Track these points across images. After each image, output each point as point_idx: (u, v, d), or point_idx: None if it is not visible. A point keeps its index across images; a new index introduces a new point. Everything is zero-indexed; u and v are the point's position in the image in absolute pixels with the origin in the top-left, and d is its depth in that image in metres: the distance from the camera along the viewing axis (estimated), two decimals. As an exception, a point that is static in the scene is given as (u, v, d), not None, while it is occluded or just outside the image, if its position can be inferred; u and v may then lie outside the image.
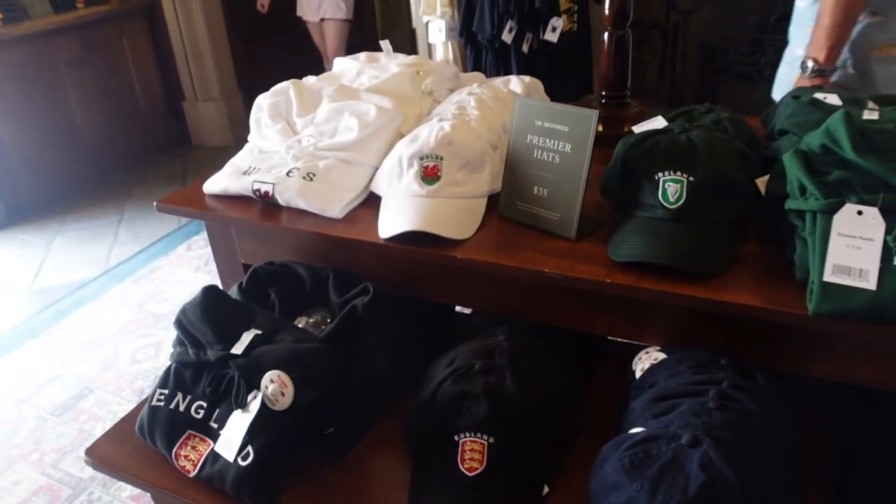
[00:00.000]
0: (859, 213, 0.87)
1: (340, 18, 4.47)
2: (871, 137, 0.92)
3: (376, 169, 1.31)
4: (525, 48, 3.14)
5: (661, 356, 1.01)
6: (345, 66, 1.70)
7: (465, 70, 3.39)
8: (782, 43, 3.17)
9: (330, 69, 1.75)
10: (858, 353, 0.93)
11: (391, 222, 1.16)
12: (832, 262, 0.86)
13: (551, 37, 3.14)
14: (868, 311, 0.84)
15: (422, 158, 1.19)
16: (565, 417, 1.06)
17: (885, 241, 0.85)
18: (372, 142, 1.33)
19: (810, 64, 1.63)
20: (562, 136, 1.09)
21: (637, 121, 1.38)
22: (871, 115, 1.16)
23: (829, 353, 0.95)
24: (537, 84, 1.64)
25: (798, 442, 0.91)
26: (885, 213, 0.86)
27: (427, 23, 3.48)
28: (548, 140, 1.11)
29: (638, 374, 1.02)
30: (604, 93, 1.60)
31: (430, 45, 3.64)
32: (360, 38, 6.53)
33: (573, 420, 1.08)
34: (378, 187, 1.27)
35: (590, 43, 3.45)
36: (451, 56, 3.43)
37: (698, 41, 3.71)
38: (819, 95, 1.27)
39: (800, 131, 1.16)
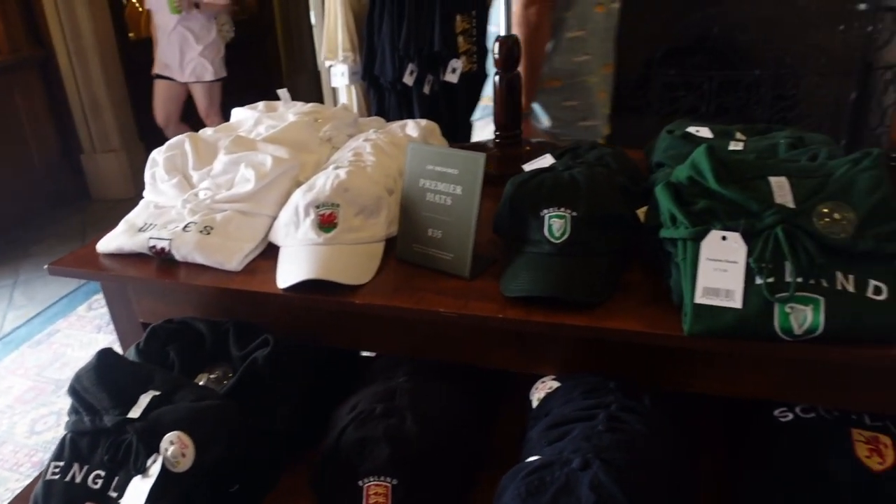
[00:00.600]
0: (724, 238, 0.94)
1: (207, 80, 4.28)
2: (732, 168, 0.99)
3: (275, 219, 1.32)
4: (426, 90, 3.22)
5: (556, 385, 1.05)
6: (242, 116, 1.71)
7: (369, 113, 3.44)
8: (667, 77, 3.38)
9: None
10: (733, 368, 1.00)
11: (289, 272, 1.16)
12: (702, 284, 0.93)
13: (452, 78, 3.23)
14: (736, 327, 0.90)
15: (318, 207, 1.21)
16: (470, 453, 1.08)
17: (747, 263, 0.92)
18: (269, 192, 1.34)
19: None
20: (452, 178, 1.13)
21: (529, 159, 1.44)
22: (736, 145, 1.25)
23: (707, 370, 1.02)
24: (433, 127, 1.69)
25: (686, 458, 0.96)
26: (746, 237, 0.93)
27: (329, 67, 3.52)
28: (439, 183, 1.14)
29: (535, 404, 1.06)
30: (497, 133, 1.66)
31: (334, 89, 3.68)
32: (266, 81, 6.53)
33: (478, 455, 1.10)
34: (276, 237, 1.28)
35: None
36: (354, 100, 3.47)
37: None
38: (691, 129, 1.36)
39: (673, 163, 1.24)
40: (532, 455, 0.92)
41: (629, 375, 1.04)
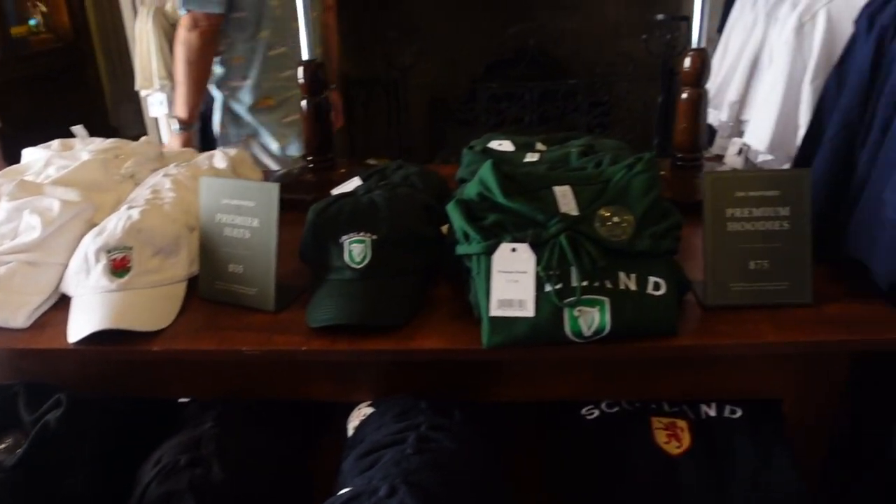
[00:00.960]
0: (513, 250, 0.96)
1: None
2: (519, 181, 1.02)
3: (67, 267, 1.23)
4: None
5: (370, 411, 1.04)
6: (33, 158, 1.58)
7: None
8: (492, 90, 3.49)
9: None
10: (537, 374, 1.03)
11: (81, 323, 1.08)
12: (496, 297, 0.95)
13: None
14: (530, 336, 0.93)
15: (109, 251, 1.13)
16: (288, 493, 1.04)
17: (536, 272, 0.95)
18: (58, 239, 1.24)
19: (177, 123, 2.02)
20: (248, 211, 1.10)
21: (343, 181, 1.43)
22: (533, 157, 1.30)
23: (513, 379, 1.05)
24: (244, 157, 1.64)
25: (498, 468, 0.97)
26: (534, 247, 0.96)
27: (146, 96, 3.34)
28: (236, 217, 1.11)
29: (350, 433, 1.04)
30: (310, 158, 1.64)
31: (155, 119, 3.51)
32: (89, 111, 6.13)
33: (298, 494, 1.07)
34: (67, 287, 1.18)
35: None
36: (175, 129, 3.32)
37: (422, 94, 3.94)
38: (493, 144, 1.40)
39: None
40: (345, 487, 0.90)
41: (441, 392, 1.05)
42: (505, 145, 1.40)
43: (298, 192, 1.57)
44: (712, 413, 1.08)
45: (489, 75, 3.59)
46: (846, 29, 1.16)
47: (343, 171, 1.64)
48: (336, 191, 1.30)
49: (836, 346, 0.98)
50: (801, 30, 1.33)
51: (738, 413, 1.08)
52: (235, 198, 1.11)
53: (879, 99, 1.06)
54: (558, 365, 1.02)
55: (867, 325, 0.99)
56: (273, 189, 1.07)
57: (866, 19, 1.10)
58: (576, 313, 0.93)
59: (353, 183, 1.33)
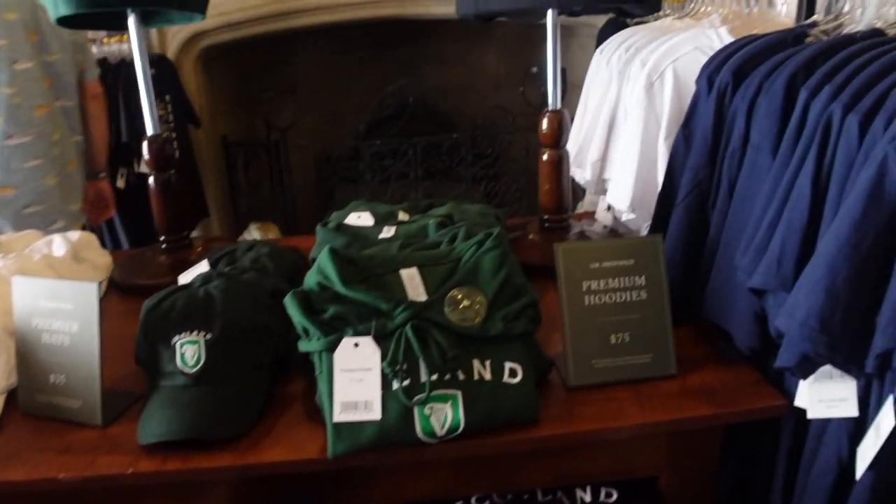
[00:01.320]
0: (356, 345, 0.89)
1: None
2: (361, 265, 0.95)
3: None
4: (121, 184, 2.97)
5: (211, 535, 0.93)
6: None
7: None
8: (375, 147, 3.44)
9: None
10: (395, 477, 0.95)
11: None
12: (339, 399, 0.87)
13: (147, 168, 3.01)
14: (377, 441, 0.85)
15: None
16: None
17: (382, 369, 0.87)
18: None
19: None
20: (67, 314, 0.98)
21: (200, 261, 1.32)
22: (388, 232, 1.23)
23: (371, 483, 0.96)
24: (89, 240, 1.51)
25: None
26: (379, 340, 0.89)
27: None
28: (53, 321, 0.99)
29: (190, 562, 0.93)
30: (163, 238, 1.52)
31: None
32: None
33: None
34: None
35: (197, 166, 3.40)
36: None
37: (305, 153, 3.87)
38: (352, 217, 1.32)
39: (328, 258, 1.19)
40: None
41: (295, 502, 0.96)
42: (364, 218, 1.33)
43: (150, 277, 1.45)
44: (587, 498, 1.03)
45: (372, 132, 3.54)
46: (694, 87, 1.16)
47: (200, 249, 1.53)
48: (185, 276, 1.20)
49: (703, 421, 0.94)
50: (650, 88, 1.34)
51: (614, 496, 1.03)
52: (52, 300, 0.99)
53: (724, 160, 1.06)
54: (418, 465, 0.94)
55: (733, 395, 0.96)
56: (91, 289, 0.96)
57: (705, 80, 1.11)
58: (426, 411, 0.86)
59: (200, 268, 1.23)
